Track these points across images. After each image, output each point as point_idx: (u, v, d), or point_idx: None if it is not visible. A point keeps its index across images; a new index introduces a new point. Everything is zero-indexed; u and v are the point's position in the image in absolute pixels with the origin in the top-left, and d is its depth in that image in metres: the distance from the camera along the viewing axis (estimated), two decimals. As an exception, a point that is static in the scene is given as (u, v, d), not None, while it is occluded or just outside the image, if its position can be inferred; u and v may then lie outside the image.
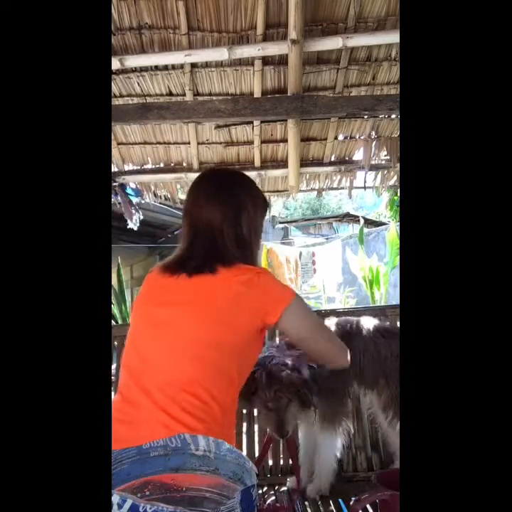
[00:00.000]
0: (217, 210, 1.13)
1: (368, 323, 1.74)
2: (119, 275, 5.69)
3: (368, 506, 1.48)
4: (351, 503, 1.32)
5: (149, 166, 2.72)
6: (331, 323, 1.70)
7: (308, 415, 1.47)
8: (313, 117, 2.30)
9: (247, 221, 1.16)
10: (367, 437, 1.99)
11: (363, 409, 1.88)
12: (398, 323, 2.10)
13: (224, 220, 1.13)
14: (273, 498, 1.74)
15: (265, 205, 1.29)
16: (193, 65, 2.23)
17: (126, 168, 2.72)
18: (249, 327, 1.06)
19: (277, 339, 1.64)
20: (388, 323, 1.89)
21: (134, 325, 1.13)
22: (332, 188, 2.82)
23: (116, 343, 2.33)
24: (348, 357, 1.23)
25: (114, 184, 2.71)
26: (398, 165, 2.51)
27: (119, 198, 2.77)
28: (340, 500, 1.60)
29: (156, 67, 2.24)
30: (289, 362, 1.33)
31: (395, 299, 6.68)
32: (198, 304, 1.05)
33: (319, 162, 2.68)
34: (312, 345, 1.20)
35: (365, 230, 7.99)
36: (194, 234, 1.15)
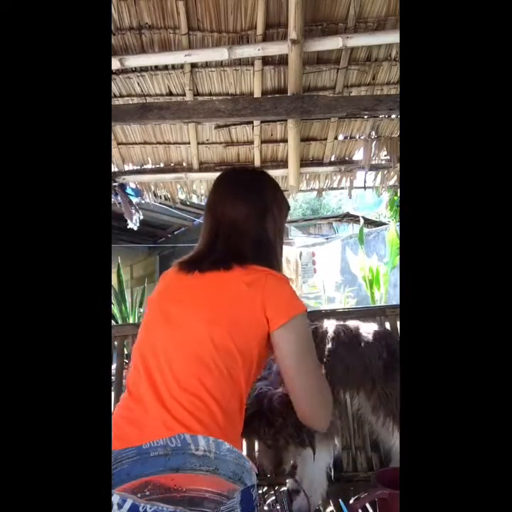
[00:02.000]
0: (242, 210, 1.11)
1: (352, 325, 1.73)
2: (119, 275, 5.70)
3: (368, 505, 1.48)
4: (351, 502, 1.33)
5: (149, 166, 2.72)
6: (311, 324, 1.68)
7: (307, 454, 1.41)
8: (313, 117, 2.30)
9: (271, 223, 1.14)
10: (367, 437, 1.98)
11: (352, 411, 1.86)
12: (387, 325, 2.10)
13: (249, 219, 1.11)
14: (273, 498, 1.74)
15: (288, 207, 1.26)
16: (193, 65, 2.23)
17: (126, 168, 2.72)
18: (254, 331, 1.01)
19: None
20: (373, 324, 1.88)
21: (148, 321, 1.10)
22: (332, 188, 2.82)
23: (116, 343, 2.33)
24: (328, 421, 1.09)
25: (114, 184, 2.71)
26: (398, 165, 2.51)
27: (119, 198, 2.77)
28: (340, 500, 1.60)
29: (156, 67, 2.24)
30: (280, 397, 1.24)
31: (395, 299, 6.68)
32: (207, 304, 1.03)
33: (319, 162, 2.68)
34: (298, 380, 1.03)
35: (365, 230, 7.99)
36: (216, 232, 1.12)
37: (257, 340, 1.02)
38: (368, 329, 1.75)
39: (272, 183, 1.22)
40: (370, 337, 1.70)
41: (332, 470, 1.66)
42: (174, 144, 2.61)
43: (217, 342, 0.98)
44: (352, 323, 1.76)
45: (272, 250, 1.14)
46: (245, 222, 1.11)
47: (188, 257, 1.14)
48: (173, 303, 1.08)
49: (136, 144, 2.61)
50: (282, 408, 1.22)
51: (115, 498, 0.71)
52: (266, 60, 2.22)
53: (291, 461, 1.36)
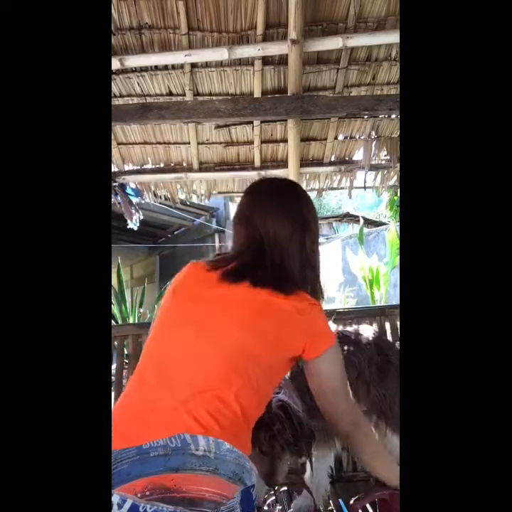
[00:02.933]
0: (286, 224, 1.08)
1: (343, 329, 1.73)
2: (119, 275, 5.70)
3: (368, 506, 1.48)
4: (351, 502, 1.33)
5: (149, 166, 2.72)
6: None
7: (303, 464, 1.41)
8: (313, 117, 2.31)
9: (311, 238, 1.12)
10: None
11: None
12: (387, 325, 2.10)
13: (293, 236, 1.08)
14: (273, 498, 1.74)
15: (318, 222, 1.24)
16: (193, 65, 2.23)
17: (126, 168, 2.72)
18: (289, 352, 1.03)
19: None
20: (364, 327, 1.87)
21: (165, 320, 1.07)
22: (332, 188, 2.83)
23: (116, 343, 2.33)
24: (354, 426, 1.13)
25: (114, 184, 2.71)
26: (398, 165, 2.51)
27: (119, 198, 2.77)
28: (340, 500, 1.60)
29: (156, 67, 2.24)
30: (280, 403, 1.24)
31: (395, 299, 6.68)
32: (246, 313, 1.01)
33: (319, 162, 2.68)
34: (332, 399, 1.09)
35: (365, 230, 7.99)
36: (260, 245, 1.09)
37: (286, 362, 1.05)
38: (359, 332, 1.75)
39: (307, 196, 1.20)
40: (361, 340, 1.70)
41: (333, 470, 1.66)
42: (174, 143, 2.61)
43: (255, 353, 0.98)
44: (343, 327, 1.76)
45: (311, 268, 1.14)
46: (290, 238, 1.08)
47: (223, 264, 1.09)
48: (204, 304, 1.04)
49: (136, 143, 2.61)
50: (281, 413, 1.21)
51: (115, 498, 0.71)
52: (266, 60, 2.22)
53: (285, 472, 1.30)
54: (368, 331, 1.81)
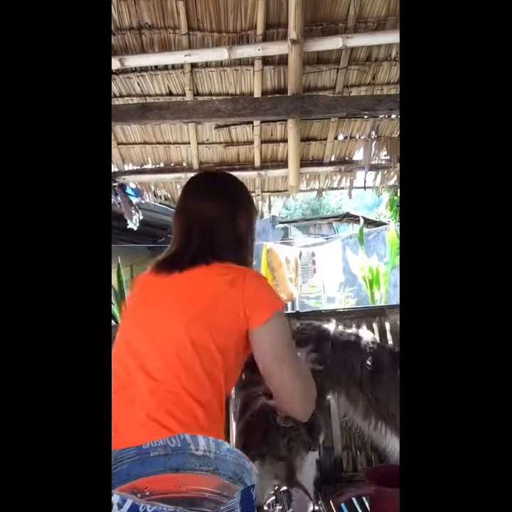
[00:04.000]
0: (215, 207, 1.15)
1: (333, 329, 1.73)
2: (119, 275, 5.69)
3: (355, 503, 1.48)
4: (334, 496, 1.35)
5: (149, 166, 2.72)
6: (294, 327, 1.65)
7: (311, 456, 1.40)
8: (313, 117, 2.30)
9: (243, 219, 1.18)
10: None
11: (338, 417, 1.84)
12: (387, 325, 2.09)
13: (221, 216, 1.14)
14: (273, 498, 1.73)
15: (255, 209, 1.31)
16: (193, 65, 2.23)
17: (126, 168, 2.72)
18: (234, 330, 1.02)
19: None
20: (356, 330, 1.87)
21: (125, 325, 1.11)
22: (332, 188, 2.82)
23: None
24: (309, 413, 1.12)
25: (114, 184, 2.71)
26: (398, 165, 2.51)
27: (119, 198, 2.77)
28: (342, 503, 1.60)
29: (156, 67, 2.24)
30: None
31: (395, 299, 6.68)
32: (184, 302, 1.03)
33: (319, 162, 2.68)
34: (278, 373, 1.05)
35: (365, 230, 7.99)
36: (189, 230, 1.14)
37: (237, 339, 1.03)
38: (351, 334, 1.75)
39: (240, 184, 1.27)
40: (352, 342, 1.70)
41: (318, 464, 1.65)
42: (174, 143, 2.61)
43: (197, 341, 0.98)
44: (333, 327, 1.76)
45: (245, 247, 1.17)
46: (218, 220, 1.14)
47: (162, 258, 1.15)
48: (151, 305, 1.08)
49: (136, 143, 2.61)
50: (287, 425, 1.22)
51: (115, 498, 0.71)
52: (266, 60, 2.22)
53: (305, 466, 1.31)
54: (362, 333, 1.81)
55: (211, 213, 1.14)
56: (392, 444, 1.62)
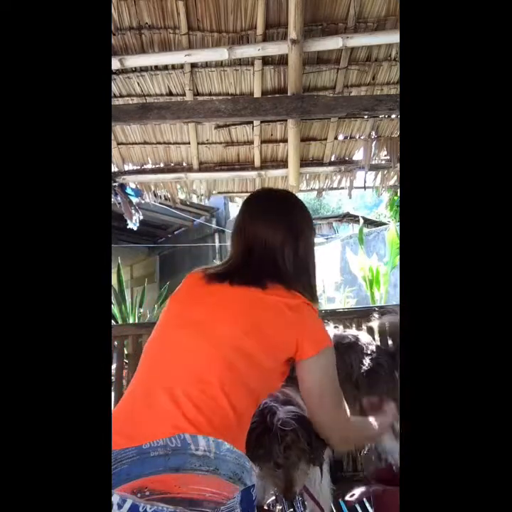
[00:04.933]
0: (277, 231, 1.13)
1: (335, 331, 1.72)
2: (119, 275, 5.70)
3: (365, 500, 1.48)
4: (347, 498, 1.34)
5: (149, 166, 2.72)
6: None
7: (315, 473, 1.35)
8: (313, 117, 2.31)
9: (304, 244, 1.16)
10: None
11: None
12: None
13: (284, 241, 1.12)
14: (273, 498, 1.73)
15: (315, 231, 1.28)
16: (193, 65, 2.23)
17: (126, 168, 2.72)
18: (284, 352, 1.04)
19: None
20: (348, 331, 1.87)
21: (169, 319, 1.10)
22: (332, 188, 2.83)
23: (116, 343, 2.33)
24: (344, 448, 1.16)
25: (114, 184, 2.71)
26: (398, 165, 2.51)
27: (119, 198, 2.77)
28: (340, 500, 1.60)
29: (156, 67, 2.24)
30: (292, 413, 1.20)
31: (395, 299, 6.68)
32: (241, 313, 1.03)
33: (319, 162, 2.68)
34: (320, 404, 1.09)
35: (365, 230, 7.99)
36: (249, 251, 1.13)
37: (283, 361, 1.05)
38: (350, 335, 1.75)
39: (301, 204, 1.24)
40: (349, 345, 1.69)
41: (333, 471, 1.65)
42: (174, 143, 2.61)
43: (248, 352, 0.99)
44: (339, 329, 1.76)
45: (306, 271, 1.16)
46: (282, 244, 1.13)
47: (218, 269, 1.15)
48: (196, 305, 1.08)
49: (136, 143, 2.61)
50: (293, 422, 1.18)
51: (115, 498, 0.71)
52: (266, 60, 2.22)
53: (303, 481, 1.24)
54: (359, 334, 1.81)
55: (270, 237, 1.12)
56: (388, 446, 1.62)
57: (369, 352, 1.68)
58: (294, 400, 1.30)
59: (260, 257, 1.11)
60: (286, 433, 1.16)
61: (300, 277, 1.13)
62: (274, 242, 1.12)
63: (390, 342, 1.87)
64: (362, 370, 1.62)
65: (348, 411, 1.13)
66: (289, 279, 1.10)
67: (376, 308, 1.98)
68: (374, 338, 1.85)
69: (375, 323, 1.86)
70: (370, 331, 1.91)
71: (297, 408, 1.22)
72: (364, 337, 1.78)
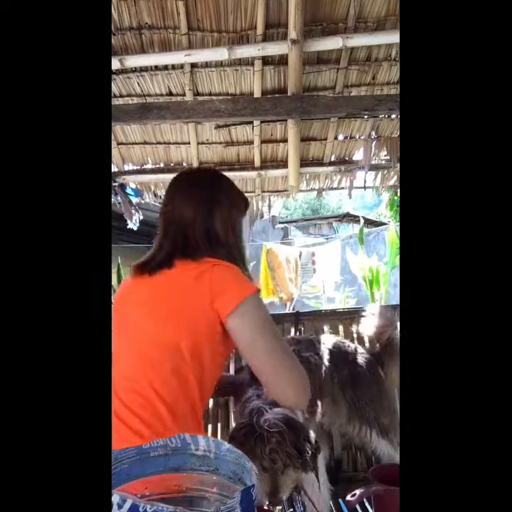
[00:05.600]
0: (189, 207, 1.13)
1: (305, 337, 1.73)
2: (119, 275, 5.69)
3: (365, 501, 1.48)
4: (347, 498, 1.33)
5: (149, 166, 2.72)
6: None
7: (309, 479, 1.31)
8: (313, 117, 2.30)
9: (220, 216, 1.14)
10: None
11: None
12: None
13: (196, 216, 1.12)
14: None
15: (243, 204, 1.25)
16: (193, 65, 2.23)
17: (126, 168, 2.72)
18: (206, 326, 0.98)
19: None
20: (329, 336, 1.88)
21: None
22: (332, 188, 2.82)
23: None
24: (307, 397, 1.03)
25: (114, 184, 2.71)
26: (398, 165, 2.51)
27: (119, 198, 2.77)
28: (340, 500, 1.60)
29: (156, 67, 2.24)
30: (280, 415, 1.13)
31: (395, 299, 6.68)
32: (155, 303, 1.03)
33: (319, 162, 2.68)
34: (260, 361, 0.99)
35: (365, 230, 7.98)
36: (165, 233, 1.15)
37: (210, 336, 0.99)
38: (325, 341, 1.75)
39: (221, 181, 1.22)
40: (327, 349, 1.70)
41: (332, 473, 1.65)
42: (174, 143, 2.61)
43: (166, 341, 0.97)
44: (307, 336, 1.77)
45: (223, 245, 1.12)
46: (193, 219, 1.12)
47: (139, 261, 1.16)
48: (126, 306, 1.09)
49: (136, 144, 2.61)
50: (280, 424, 1.11)
51: (115, 498, 0.71)
52: (266, 60, 2.22)
53: (290, 488, 1.17)
54: (331, 339, 1.81)
55: (184, 214, 1.12)
56: (379, 447, 1.63)
57: (350, 355, 1.69)
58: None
59: (173, 235, 1.12)
60: (272, 434, 1.09)
61: (216, 249, 1.10)
62: (186, 218, 1.12)
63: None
64: (345, 372, 1.63)
65: (298, 365, 1.03)
66: (199, 251, 1.07)
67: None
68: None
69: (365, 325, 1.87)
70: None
71: (287, 410, 1.17)
72: (336, 341, 1.79)
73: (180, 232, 1.11)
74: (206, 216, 1.13)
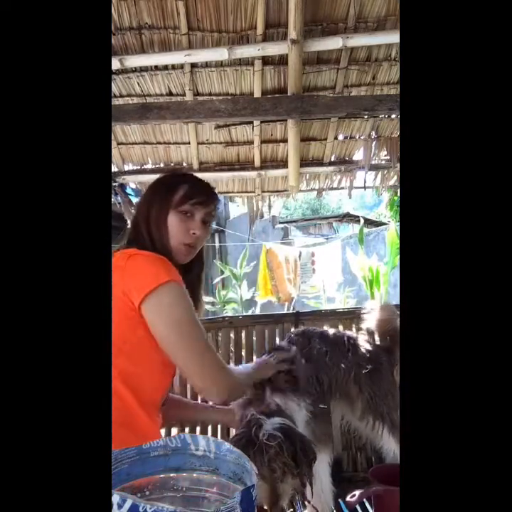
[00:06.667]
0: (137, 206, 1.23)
1: (314, 331, 1.72)
2: (119, 275, 5.68)
3: (365, 501, 1.48)
4: (347, 499, 1.33)
5: (149, 166, 2.72)
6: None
7: (316, 476, 1.30)
8: (313, 117, 2.31)
9: (143, 209, 1.16)
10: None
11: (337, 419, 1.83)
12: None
13: (138, 215, 1.18)
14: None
15: (157, 191, 1.20)
16: (193, 65, 2.23)
17: (126, 168, 2.72)
18: (126, 321, 0.95)
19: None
20: (335, 330, 1.87)
21: None
22: (332, 188, 2.83)
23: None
24: (225, 390, 1.03)
25: (114, 184, 2.71)
26: (398, 165, 2.51)
27: (119, 198, 2.77)
28: (340, 500, 1.60)
29: (156, 67, 2.24)
30: (278, 425, 1.15)
31: (395, 299, 6.68)
32: None
33: (319, 162, 2.68)
34: (174, 352, 0.96)
35: (365, 230, 7.98)
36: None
37: (132, 330, 0.96)
38: (351, 335, 1.75)
39: (156, 181, 1.24)
40: (356, 343, 1.69)
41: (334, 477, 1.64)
42: (174, 143, 2.61)
43: None
44: (326, 330, 1.76)
45: (141, 231, 1.12)
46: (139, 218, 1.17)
47: None
48: None
49: (136, 144, 2.61)
50: (278, 434, 1.12)
51: (115, 498, 0.71)
52: (266, 60, 2.22)
53: (290, 494, 1.18)
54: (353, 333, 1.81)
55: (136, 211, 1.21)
56: (388, 444, 1.62)
57: (368, 351, 1.68)
58: (284, 410, 1.28)
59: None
60: (270, 446, 1.11)
61: (137, 238, 1.12)
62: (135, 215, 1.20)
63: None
64: (361, 370, 1.62)
65: (217, 358, 1.02)
66: (131, 243, 1.10)
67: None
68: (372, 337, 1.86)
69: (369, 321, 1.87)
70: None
71: (285, 420, 1.19)
72: (361, 336, 1.78)
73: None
74: (144, 213, 1.16)
